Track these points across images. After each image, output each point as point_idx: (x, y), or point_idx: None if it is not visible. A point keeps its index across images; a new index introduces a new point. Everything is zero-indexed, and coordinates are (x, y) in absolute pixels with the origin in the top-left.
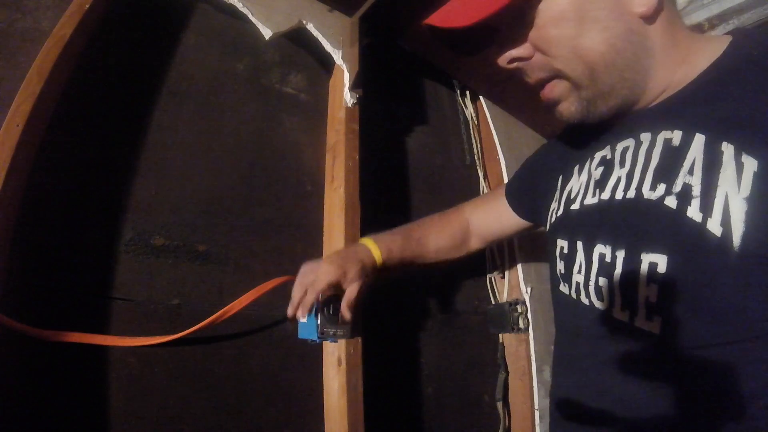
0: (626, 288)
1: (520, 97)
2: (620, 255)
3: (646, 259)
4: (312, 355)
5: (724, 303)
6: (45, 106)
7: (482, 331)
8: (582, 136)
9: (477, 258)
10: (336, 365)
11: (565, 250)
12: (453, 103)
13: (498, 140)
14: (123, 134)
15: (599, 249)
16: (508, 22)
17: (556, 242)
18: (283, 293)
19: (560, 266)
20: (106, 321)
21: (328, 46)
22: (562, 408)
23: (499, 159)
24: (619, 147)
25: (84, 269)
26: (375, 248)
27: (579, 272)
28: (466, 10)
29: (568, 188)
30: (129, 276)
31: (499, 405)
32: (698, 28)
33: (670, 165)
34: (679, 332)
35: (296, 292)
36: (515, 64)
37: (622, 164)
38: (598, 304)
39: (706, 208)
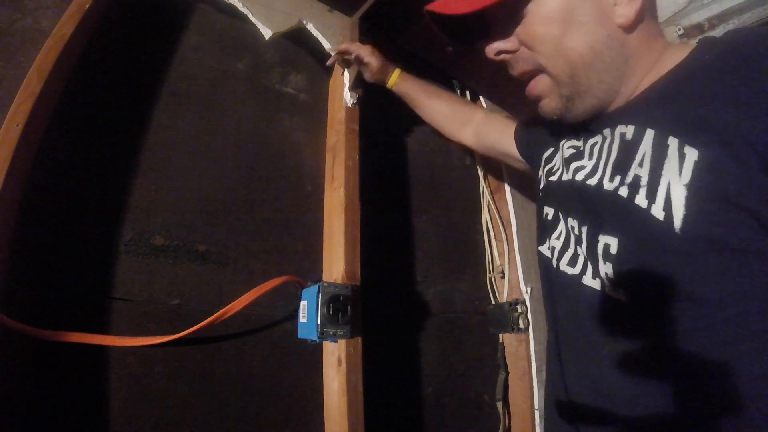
0: (592, 261)
1: (520, 97)
2: (584, 231)
3: (602, 240)
4: (312, 355)
5: (673, 284)
6: (45, 106)
7: (482, 331)
8: (564, 127)
9: (477, 258)
10: (336, 365)
11: (549, 217)
12: None
13: None
14: (123, 134)
15: (571, 222)
16: (501, 18)
17: (543, 209)
18: (283, 293)
19: (543, 231)
20: (106, 321)
21: (328, 46)
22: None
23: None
24: (590, 142)
25: (84, 269)
26: (398, 71)
27: (558, 239)
28: (467, 2)
29: (552, 162)
30: (129, 276)
31: (499, 405)
32: (698, 28)
33: (624, 158)
34: (642, 307)
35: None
36: (502, 56)
37: (590, 156)
38: (568, 270)
39: (652, 195)
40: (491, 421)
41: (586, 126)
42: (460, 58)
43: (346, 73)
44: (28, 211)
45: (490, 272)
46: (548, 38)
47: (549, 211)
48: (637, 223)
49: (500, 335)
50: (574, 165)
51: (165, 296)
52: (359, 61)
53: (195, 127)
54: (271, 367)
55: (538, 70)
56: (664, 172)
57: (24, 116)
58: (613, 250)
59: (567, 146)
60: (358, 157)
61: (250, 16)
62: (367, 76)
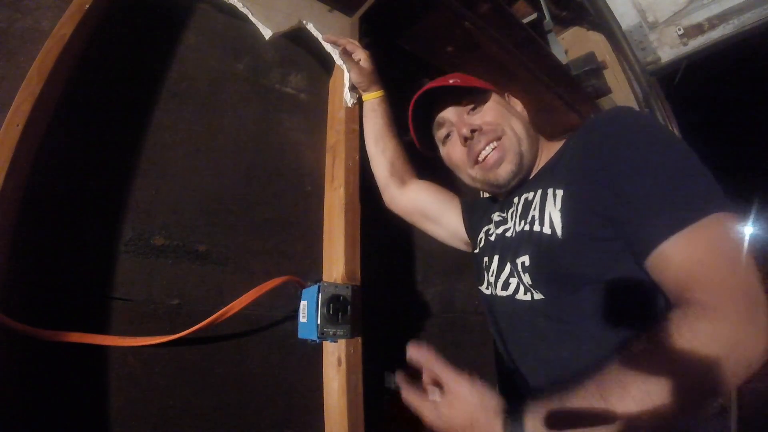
0: (519, 278)
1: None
2: (510, 261)
3: (519, 260)
4: (312, 355)
5: (565, 269)
6: (45, 106)
7: (482, 331)
8: (493, 205)
9: None
10: (336, 365)
11: (487, 262)
12: None
13: None
14: (123, 134)
15: (502, 261)
16: (463, 115)
17: (482, 259)
18: (283, 293)
19: (480, 274)
20: (106, 321)
21: (328, 46)
22: (502, 368)
23: None
24: (509, 211)
25: (84, 269)
26: (381, 92)
27: (492, 275)
28: (451, 81)
29: (486, 228)
30: (129, 276)
31: None
32: (698, 28)
33: (526, 210)
34: (551, 295)
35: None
36: (474, 132)
37: (511, 219)
38: (503, 293)
39: (541, 222)
40: None
41: (507, 202)
42: (460, 58)
43: (346, 74)
44: (29, 211)
45: None
46: (504, 118)
47: (485, 259)
48: (536, 241)
49: None
50: (501, 228)
51: (165, 296)
52: (351, 58)
53: (195, 127)
54: (271, 367)
55: (499, 137)
56: (546, 207)
57: (24, 116)
58: (527, 263)
59: (496, 216)
60: (358, 157)
61: (250, 16)
62: (354, 76)
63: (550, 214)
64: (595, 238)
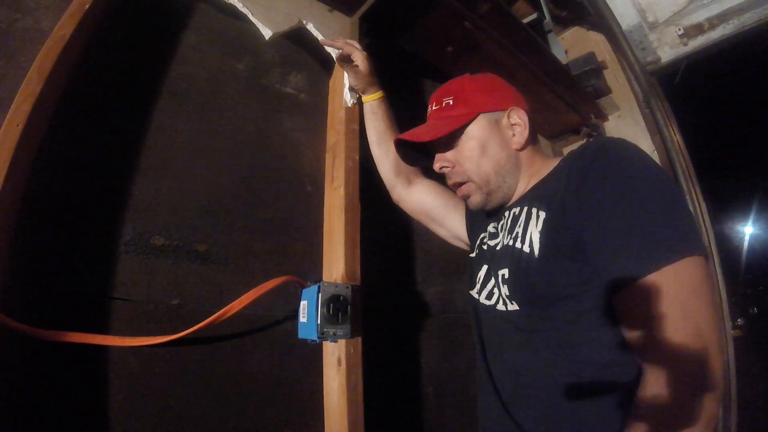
0: (498, 290)
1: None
2: (493, 272)
3: (500, 272)
4: (312, 355)
5: (539, 287)
6: (45, 106)
7: None
8: (487, 216)
9: None
10: (336, 365)
11: (478, 270)
12: None
13: None
14: (123, 134)
15: (491, 272)
16: (441, 147)
17: (475, 266)
18: (283, 293)
19: (473, 277)
20: (106, 321)
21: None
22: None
23: None
24: (500, 224)
25: (84, 269)
26: (380, 93)
27: (478, 282)
28: (426, 134)
29: (482, 235)
30: (129, 276)
31: None
32: (698, 28)
33: (513, 225)
34: (525, 307)
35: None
36: (446, 169)
37: (501, 232)
38: (486, 302)
39: (523, 240)
40: None
41: (499, 215)
42: (460, 58)
43: (346, 73)
44: (29, 211)
45: None
46: (472, 159)
47: (477, 267)
48: (516, 257)
49: None
50: (494, 241)
51: (165, 296)
52: (349, 61)
53: (195, 127)
54: (271, 367)
55: (466, 181)
56: (529, 227)
57: (24, 116)
58: (506, 276)
59: (490, 228)
60: (358, 157)
61: (250, 16)
62: (351, 79)
63: (531, 233)
64: (567, 262)
